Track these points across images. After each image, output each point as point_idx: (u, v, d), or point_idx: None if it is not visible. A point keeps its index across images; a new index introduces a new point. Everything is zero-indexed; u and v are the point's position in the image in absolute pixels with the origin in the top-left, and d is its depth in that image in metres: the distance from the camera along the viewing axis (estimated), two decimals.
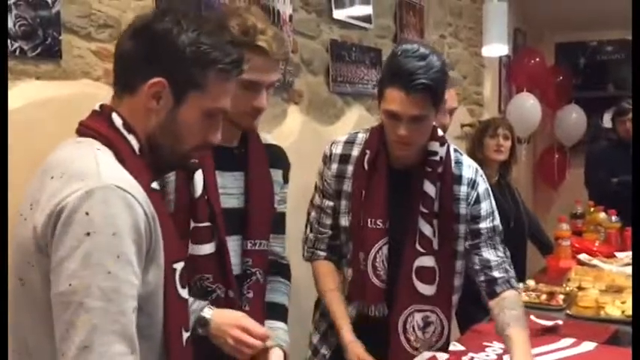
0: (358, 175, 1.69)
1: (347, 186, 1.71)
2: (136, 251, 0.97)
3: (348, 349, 1.62)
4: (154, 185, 1.12)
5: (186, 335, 1.14)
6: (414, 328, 1.66)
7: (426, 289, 1.66)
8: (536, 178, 5.52)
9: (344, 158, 1.74)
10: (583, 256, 2.93)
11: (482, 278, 1.69)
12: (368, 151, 1.70)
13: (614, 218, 3.30)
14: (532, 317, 2.12)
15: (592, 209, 3.42)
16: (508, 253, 1.75)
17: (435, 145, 1.68)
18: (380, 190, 1.67)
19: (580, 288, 2.44)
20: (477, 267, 1.70)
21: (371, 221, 1.66)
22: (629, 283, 2.48)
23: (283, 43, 1.44)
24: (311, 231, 1.78)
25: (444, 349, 1.71)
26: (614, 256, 2.99)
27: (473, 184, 1.71)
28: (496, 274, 1.68)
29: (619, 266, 2.80)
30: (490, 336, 1.93)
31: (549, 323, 2.04)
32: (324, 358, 1.77)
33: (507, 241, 2.47)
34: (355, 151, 1.73)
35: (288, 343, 1.66)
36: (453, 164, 1.70)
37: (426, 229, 1.66)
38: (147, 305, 1.03)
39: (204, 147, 1.19)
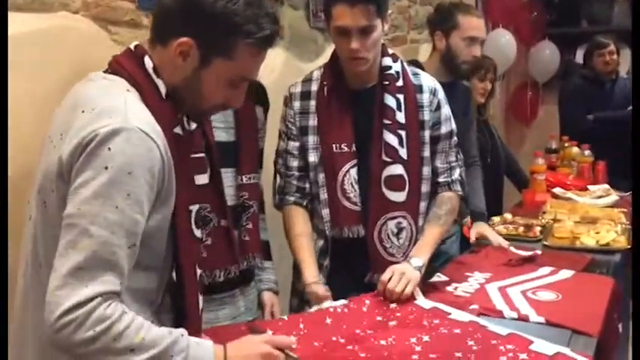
0: (321, 106, 1.75)
1: (312, 121, 1.76)
2: (147, 192, 1.03)
3: (308, 290, 1.65)
4: (177, 130, 1.16)
5: (199, 272, 1.21)
6: (388, 235, 1.74)
7: (396, 196, 1.74)
8: (509, 114, 5.57)
9: (305, 95, 1.79)
10: (557, 190, 3.01)
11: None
12: (325, 82, 1.76)
13: (587, 153, 3.37)
14: (511, 248, 2.19)
15: (566, 144, 3.48)
16: (460, 156, 1.87)
17: (388, 61, 1.77)
18: (341, 115, 1.73)
19: (555, 220, 2.52)
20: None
21: (336, 146, 1.72)
22: (602, 214, 2.57)
23: None
24: (280, 177, 1.81)
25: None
26: (587, 189, 3.08)
27: (434, 91, 1.80)
28: (440, 179, 1.83)
29: (592, 198, 2.89)
30: (472, 267, 2.00)
31: (528, 253, 2.11)
32: None
33: (485, 177, 2.53)
34: (314, 86, 1.78)
35: (276, 280, 1.76)
36: (411, 76, 1.79)
37: (391, 139, 1.73)
38: (150, 240, 1.09)
39: (224, 108, 1.23)
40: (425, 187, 1.80)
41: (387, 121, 1.73)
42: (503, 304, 1.69)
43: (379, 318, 1.56)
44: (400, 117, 1.73)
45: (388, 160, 1.73)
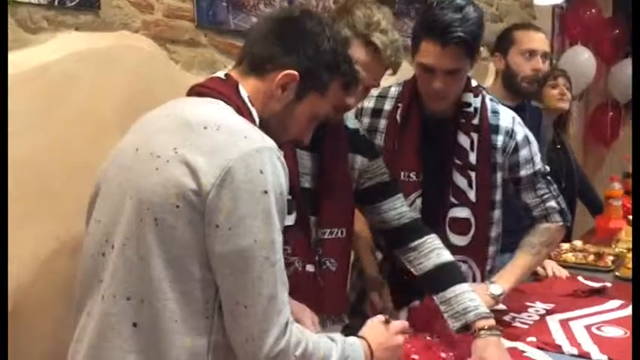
0: (391, 128, 1.68)
1: (379, 140, 1.69)
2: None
3: (371, 286, 1.66)
4: None
5: None
6: None
7: (459, 240, 1.66)
8: (588, 135, 5.31)
9: (376, 112, 1.71)
10: None
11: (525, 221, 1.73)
12: (400, 104, 1.68)
13: None
14: (579, 278, 2.07)
15: None
16: (553, 186, 1.76)
17: (468, 97, 1.66)
18: (413, 142, 1.66)
19: (630, 249, 2.36)
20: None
21: (404, 174, 1.65)
22: None
23: (398, 52, 1.41)
24: None
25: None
26: None
27: (511, 133, 1.68)
28: (535, 213, 1.72)
29: None
30: (533, 296, 1.90)
31: (597, 285, 1.98)
32: (362, 315, 1.75)
33: None
34: (388, 105, 1.71)
35: (487, 311, 1.46)
36: (489, 114, 1.69)
37: (460, 181, 1.65)
38: None
39: (295, 142, 1.26)
40: (494, 232, 1.73)
41: (458, 162, 1.64)
42: (564, 338, 1.58)
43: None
44: (472, 157, 1.65)
45: (455, 202, 1.65)
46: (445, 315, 1.46)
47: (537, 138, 2.27)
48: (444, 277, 1.49)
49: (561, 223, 1.72)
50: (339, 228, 1.49)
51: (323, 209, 1.46)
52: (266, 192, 0.98)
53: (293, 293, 1.13)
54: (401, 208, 1.55)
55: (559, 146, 2.79)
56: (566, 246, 2.42)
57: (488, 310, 1.46)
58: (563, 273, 2.12)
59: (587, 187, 3.10)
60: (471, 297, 1.45)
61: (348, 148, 1.52)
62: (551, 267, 2.14)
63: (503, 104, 1.78)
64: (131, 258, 1.03)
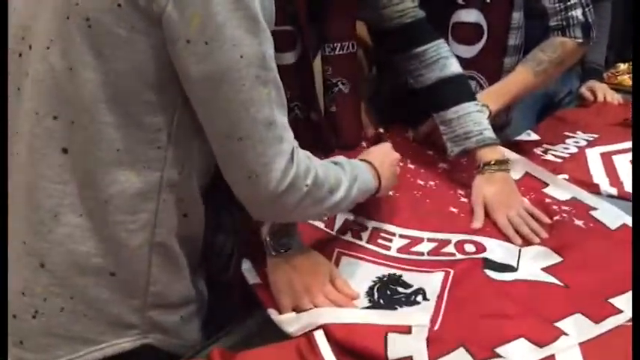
0: None
1: None
2: None
3: None
4: None
5: None
6: None
7: (465, 51, 1.40)
8: None
9: None
10: None
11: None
12: None
13: None
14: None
15: None
16: None
17: None
18: None
19: None
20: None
21: None
22: None
23: None
24: None
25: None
26: None
27: None
28: (552, 22, 1.41)
29: None
30: (575, 124, 1.64)
31: None
32: None
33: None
34: None
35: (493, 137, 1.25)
36: None
37: None
38: None
39: None
40: (513, 40, 1.42)
41: None
42: (604, 175, 1.34)
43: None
44: None
45: (461, 2, 1.37)
46: (444, 137, 1.27)
47: None
48: (447, 93, 1.28)
49: (581, 40, 1.39)
50: (349, 41, 1.26)
51: (327, 21, 1.22)
52: None
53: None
54: (404, 4, 1.28)
55: None
56: (623, 66, 2.08)
57: (494, 136, 1.24)
58: (616, 98, 1.81)
59: None
60: (476, 119, 1.25)
61: None
62: (602, 90, 1.83)
63: None
64: (56, 67, 0.80)
